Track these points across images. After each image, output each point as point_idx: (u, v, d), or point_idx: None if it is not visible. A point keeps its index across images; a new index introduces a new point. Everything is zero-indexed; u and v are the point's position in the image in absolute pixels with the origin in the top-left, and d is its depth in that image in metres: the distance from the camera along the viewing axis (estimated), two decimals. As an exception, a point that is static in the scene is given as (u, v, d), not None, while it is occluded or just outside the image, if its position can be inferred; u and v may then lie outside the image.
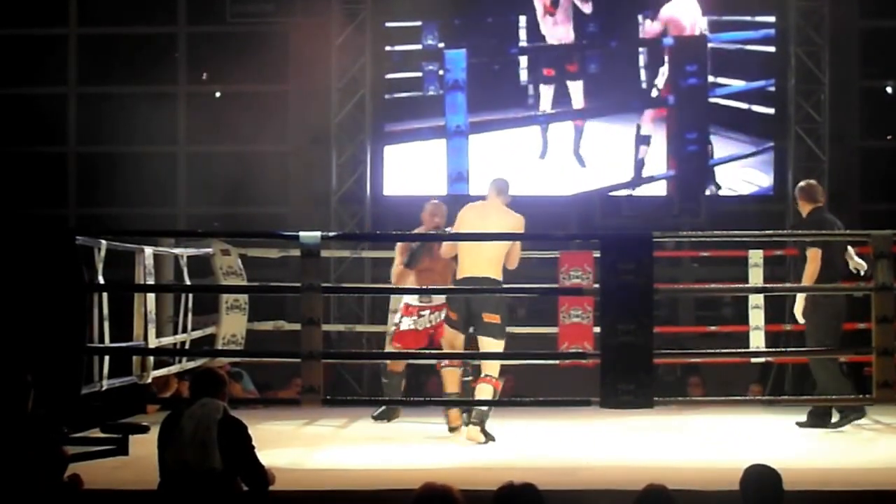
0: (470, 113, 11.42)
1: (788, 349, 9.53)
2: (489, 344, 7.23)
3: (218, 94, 12.32)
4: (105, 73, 11.80)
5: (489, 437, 7.22)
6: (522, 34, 11.43)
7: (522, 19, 11.40)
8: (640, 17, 11.48)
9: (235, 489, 4.91)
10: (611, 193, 10.92)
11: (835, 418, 7.76)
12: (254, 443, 4.98)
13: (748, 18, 11.52)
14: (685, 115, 11.47)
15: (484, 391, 7.22)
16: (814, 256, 7.64)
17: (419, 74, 11.54)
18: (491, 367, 7.25)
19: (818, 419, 7.74)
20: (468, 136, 11.42)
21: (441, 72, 11.46)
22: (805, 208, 7.98)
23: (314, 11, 11.45)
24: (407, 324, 7.97)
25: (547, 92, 11.50)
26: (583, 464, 6.51)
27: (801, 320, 7.83)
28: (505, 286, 7.60)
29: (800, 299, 7.82)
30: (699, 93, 11.47)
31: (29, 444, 4.64)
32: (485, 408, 7.20)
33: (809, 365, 7.87)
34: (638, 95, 11.48)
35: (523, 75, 11.48)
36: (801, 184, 8.12)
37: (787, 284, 10.12)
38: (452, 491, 3.76)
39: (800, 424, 7.76)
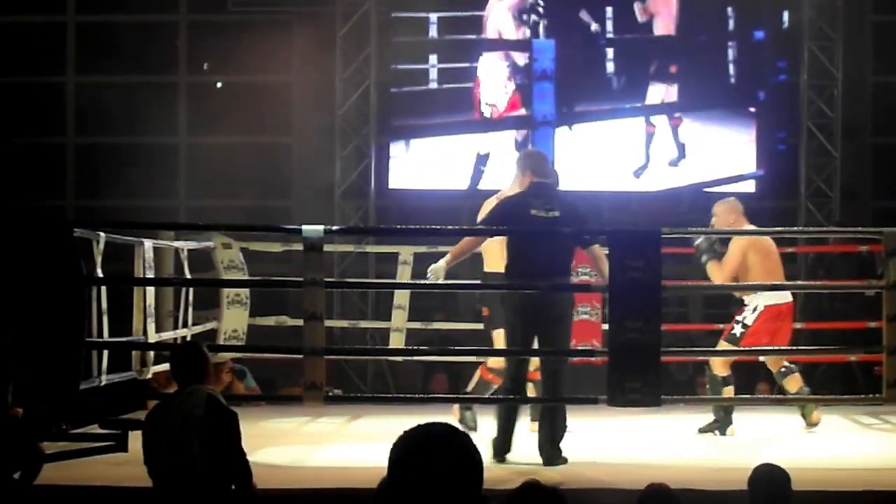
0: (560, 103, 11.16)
1: (797, 348, 9.41)
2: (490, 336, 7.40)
3: (219, 85, 12.21)
4: (104, 62, 11.69)
5: (468, 426, 7.25)
6: (609, 25, 11.28)
7: (609, 10, 11.25)
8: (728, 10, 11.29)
9: (223, 487, 4.72)
10: (705, 189, 10.68)
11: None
12: (241, 435, 4.72)
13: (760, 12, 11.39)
14: (776, 113, 11.29)
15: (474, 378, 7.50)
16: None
17: (425, 67, 11.39)
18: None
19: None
20: (556, 127, 11.21)
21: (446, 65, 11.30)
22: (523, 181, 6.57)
23: (318, 1, 11.34)
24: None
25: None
26: (588, 462, 6.44)
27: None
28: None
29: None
30: (791, 90, 11.29)
31: (7, 441, 4.53)
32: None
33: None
34: (726, 91, 11.29)
35: (610, 67, 11.31)
36: (522, 153, 7.08)
37: (797, 282, 10.04)
38: None
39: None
